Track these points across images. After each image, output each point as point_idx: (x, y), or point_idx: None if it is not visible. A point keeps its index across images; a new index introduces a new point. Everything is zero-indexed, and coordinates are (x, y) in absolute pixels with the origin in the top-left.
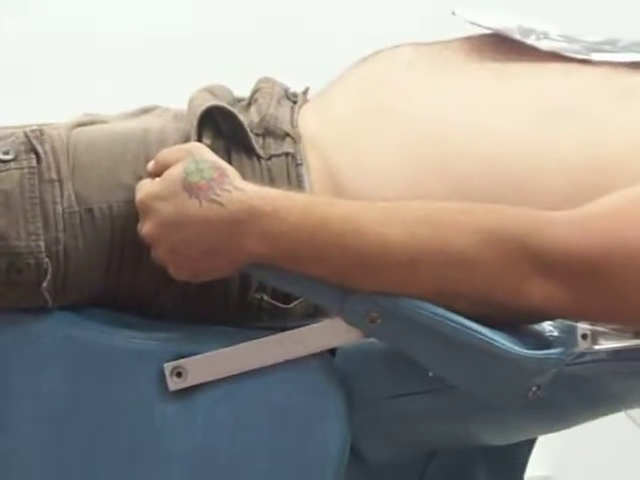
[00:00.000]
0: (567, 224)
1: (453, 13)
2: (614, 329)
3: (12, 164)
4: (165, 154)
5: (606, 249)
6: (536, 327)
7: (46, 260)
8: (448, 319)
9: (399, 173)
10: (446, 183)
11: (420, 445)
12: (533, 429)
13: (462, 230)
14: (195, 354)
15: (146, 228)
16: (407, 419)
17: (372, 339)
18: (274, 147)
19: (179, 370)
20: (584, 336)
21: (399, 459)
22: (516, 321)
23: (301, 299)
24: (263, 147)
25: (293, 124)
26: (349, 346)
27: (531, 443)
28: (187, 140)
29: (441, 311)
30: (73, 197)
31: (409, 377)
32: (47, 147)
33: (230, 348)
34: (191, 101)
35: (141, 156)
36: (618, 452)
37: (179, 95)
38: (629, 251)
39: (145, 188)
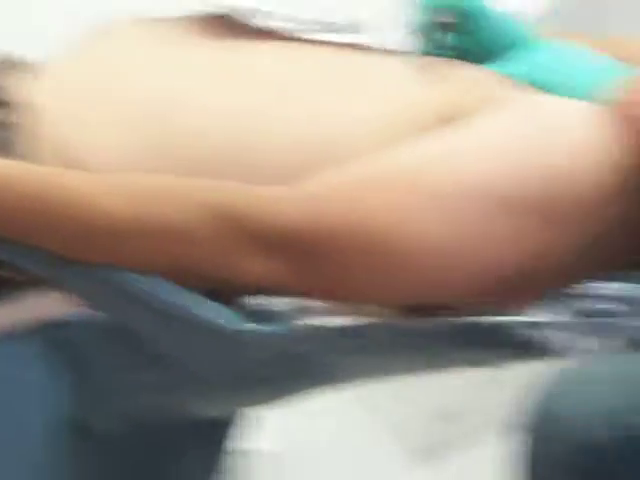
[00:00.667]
0: (289, 200)
1: None
2: (336, 306)
3: None
4: None
5: (326, 227)
6: (259, 302)
7: None
8: (157, 293)
9: (124, 151)
10: (171, 161)
11: (142, 417)
12: (247, 401)
13: (182, 205)
14: None
15: None
16: (135, 391)
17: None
18: None
19: None
20: (304, 311)
21: (126, 430)
22: (238, 295)
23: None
24: None
25: (18, 93)
26: (85, 317)
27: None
28: None
29: (151, 286)
30: None
31: (137, 350)
32: None
33: None
34: None
35: None
36: (342, 430)
37: None
38: (343, 232)
39: None
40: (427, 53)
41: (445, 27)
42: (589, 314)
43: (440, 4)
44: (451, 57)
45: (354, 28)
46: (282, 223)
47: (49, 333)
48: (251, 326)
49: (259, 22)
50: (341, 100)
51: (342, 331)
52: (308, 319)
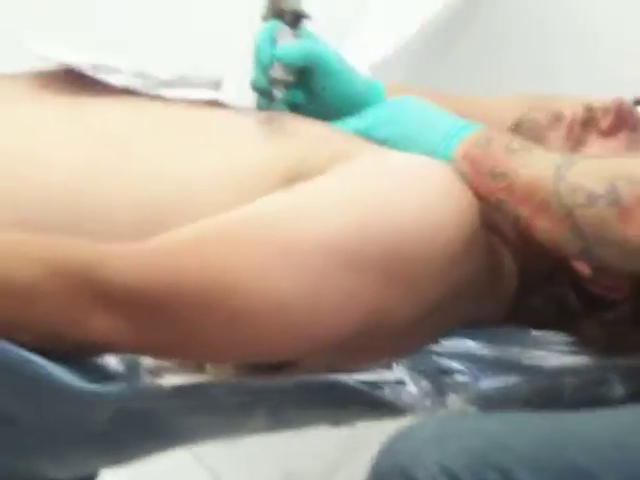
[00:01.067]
0: (131, 258)
1: (27, 46)
2: (178, 364)
3: None
4: None
5: (167, 286)
6: (100, 360)
7: None
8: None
9: None
10: (14, 214)
11: None
12: (95, 462)
13: (23, 261)
14: None
15: None
16: None
17: None
18: None
19: None
20: (148, 371)
21: None
22: (82, 353)
23: None
24: None
25: None
26: None
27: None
28: None
29: None
30: None
31: None
32: None
33: None
34: None
35: None
36: None
37: None
38: (189, 289)
39: None
40: (272, 109)
41: (285, 84)
42: (438, 372)
43: (282, 60)
44: (296, 113)
45: (203, 83)
46: (125, 280)
47: None
48: (95, 386)
49: (105, 77)
50: (187, 157)
51: (184, 390)
52: (153, 378)
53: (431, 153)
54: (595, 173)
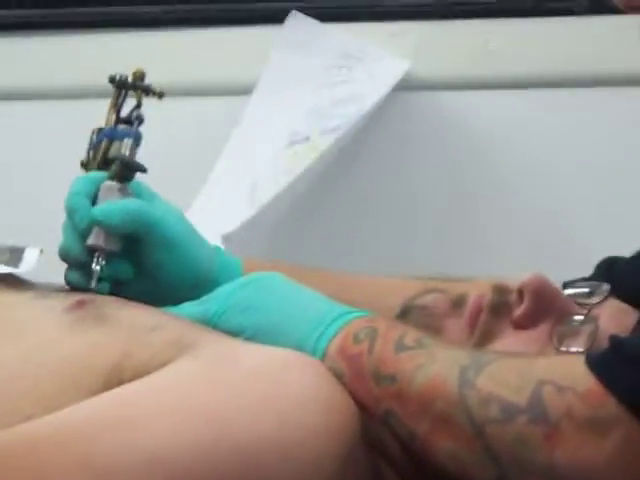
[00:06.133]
0: None
1: None
2: None
3: None
4: None
5: None
6: None
7: None
8: None
9: None
10: None
11: None
12: None
13: None
14: None
15: None
16: None
17: None
18: None
19: None
20: None
21: None
22: None
23: None
24: None
25: None
26: None
27: None
28: None
29: None
30: None
31: None
32: None
33: None
34: None
35: None
36: None
37: None
38: None
39: None
40: (87, 287)
41: (107, 255)
42: None
43: (102, 223)
44: (120, 293)
45: (9, 258)
46: None
47: None
48: None
49: None
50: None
51: None
52: None
53: (299, 347)
54: (512, 378)
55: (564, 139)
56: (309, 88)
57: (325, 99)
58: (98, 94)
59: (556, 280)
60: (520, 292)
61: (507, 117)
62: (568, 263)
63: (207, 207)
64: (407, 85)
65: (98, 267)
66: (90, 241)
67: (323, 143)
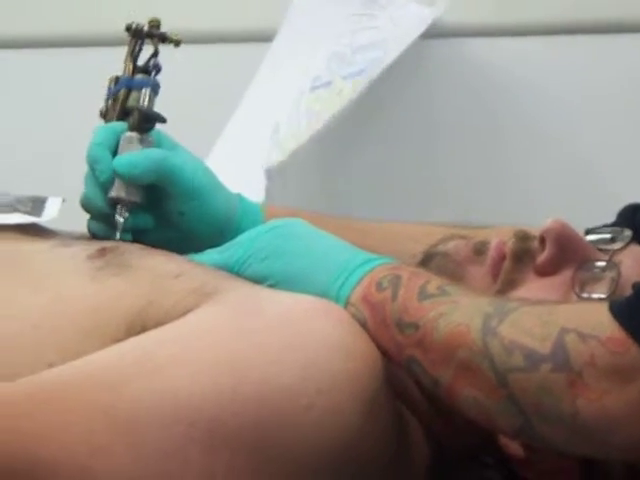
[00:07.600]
0: None
1: None
2: None
3: None
4: None
5: None
6: None
7: None
8: None
9: None
10: None
11: None
12: None
13: None
14: None
15: None
16: None
17: None
18: None
19: None
20: None
21: None
22: None
23: None
24: None
25: None
26: None
27: None
28: None
29: None
30: None
31: None
32: None
33: None
34: None
35: None
36: None
37: None
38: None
39: None
40: (111, 237)
41: (129, 206)
42: None
43: (124, 175)
44: (143, 241)
45: (22, 202)
46: None
47: None
48: None
49: None
50: (6, 299)
51: None
52: None
53: (322, 294)
54: (535, 326)
55: (596, 86)
56: (331, 34)
57: (346, 45)
58: (118, 41)
59: (586, 227)
60: (542, 238)
61: (536, 64)
62: (597, 209)
63: (228, 152)
64: (435, 32)
65: (122, 219)
66: (112, 193)
67: (346, 87)
